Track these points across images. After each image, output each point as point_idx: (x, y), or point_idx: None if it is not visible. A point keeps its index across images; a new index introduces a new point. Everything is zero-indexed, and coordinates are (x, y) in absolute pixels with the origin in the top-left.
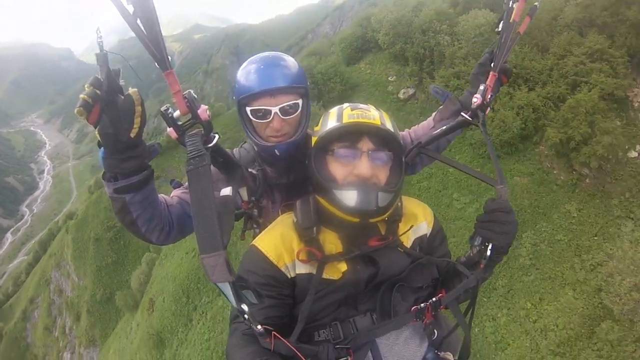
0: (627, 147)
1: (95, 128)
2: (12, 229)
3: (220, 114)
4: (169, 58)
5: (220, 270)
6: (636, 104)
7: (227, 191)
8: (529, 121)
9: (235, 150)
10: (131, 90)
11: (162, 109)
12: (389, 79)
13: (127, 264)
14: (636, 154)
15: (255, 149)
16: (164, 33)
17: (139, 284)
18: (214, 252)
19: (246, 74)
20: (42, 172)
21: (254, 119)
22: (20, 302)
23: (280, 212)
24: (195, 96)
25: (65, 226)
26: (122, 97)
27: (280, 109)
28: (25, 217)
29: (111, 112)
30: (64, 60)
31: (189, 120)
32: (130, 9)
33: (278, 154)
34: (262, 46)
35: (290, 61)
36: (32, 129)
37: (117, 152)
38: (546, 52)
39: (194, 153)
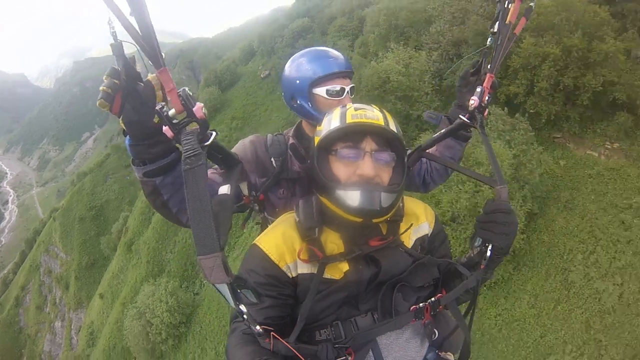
0: None
1: (119, 118)
2: None
3: None
4: (163, 55)
5: (218, 271)
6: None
7: (224, 189)
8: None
9: (269, 136)
10: (150, 76)
11: (157, 107)
12: (259, 67)
13: (107, 234)
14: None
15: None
16: None
17: (117, 232)
18: (211, 254)
19: (313, 59)
20: (6, 202)
21: (328, 97)
22: (12, 292)
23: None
24: (191, 94)
25: (52, 216)
26: (142, 84)
27: (350, 88)
28: None
29: (133, 99)
30: (19, 86)
31: (184, 118)
32: (125, 8)
33: None
34: (216, 58)
35: None
36: None
37: (144, 138)
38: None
39: (190, 152)
